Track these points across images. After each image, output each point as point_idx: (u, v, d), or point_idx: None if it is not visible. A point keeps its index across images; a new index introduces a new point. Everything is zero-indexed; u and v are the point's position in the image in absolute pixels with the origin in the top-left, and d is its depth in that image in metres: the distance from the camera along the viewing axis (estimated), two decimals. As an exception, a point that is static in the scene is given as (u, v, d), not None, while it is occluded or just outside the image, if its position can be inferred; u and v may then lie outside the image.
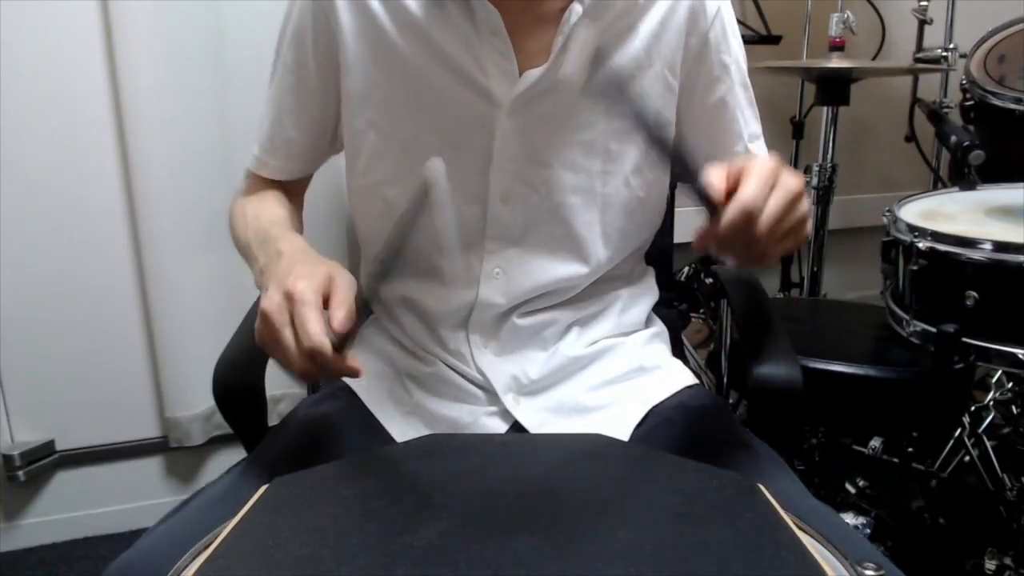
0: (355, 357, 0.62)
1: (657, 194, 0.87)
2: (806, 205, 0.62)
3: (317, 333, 0.59)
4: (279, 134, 0.85)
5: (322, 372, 0.61)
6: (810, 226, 0.63)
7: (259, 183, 0.89)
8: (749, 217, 0.57)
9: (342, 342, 0.60)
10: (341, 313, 0.61)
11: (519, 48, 0.75)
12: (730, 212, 0.57)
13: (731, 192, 0.58)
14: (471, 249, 0.81)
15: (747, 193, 0.57)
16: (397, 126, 0.78)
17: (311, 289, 0.61)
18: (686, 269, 1.81)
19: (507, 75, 0.76)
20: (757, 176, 0.58)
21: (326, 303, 0.62)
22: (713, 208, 0.58)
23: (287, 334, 0.60)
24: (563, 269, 0.82)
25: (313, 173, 0.93)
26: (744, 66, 0.85)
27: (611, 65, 0.76)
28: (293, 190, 0.91)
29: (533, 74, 0.75)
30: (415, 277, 0.84)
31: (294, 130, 0.85)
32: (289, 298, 0.61)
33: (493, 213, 0.79)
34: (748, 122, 0.86)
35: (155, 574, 0.57)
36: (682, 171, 0.60)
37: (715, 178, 0.59)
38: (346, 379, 0.87)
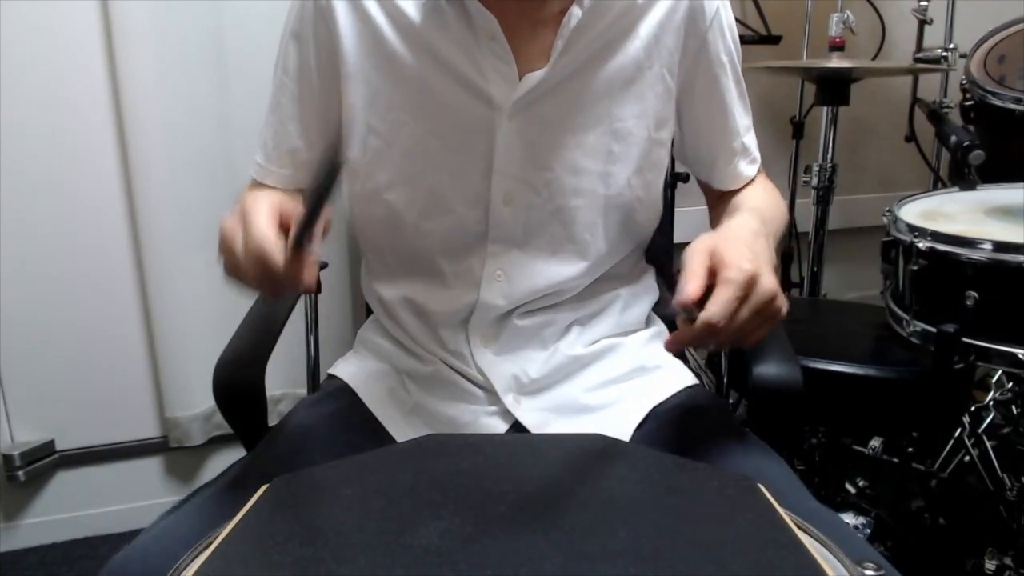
0: (311, 265, 0.63)
1: (657, 193, 0.87)
2: (780, 303, 0.63)
3: (262, 229, 0.60)
4: (284, 142, 0.85)
5: (275, 280, 0.61)
6: (784, 311, 0.64)
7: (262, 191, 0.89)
8: (714, 331, 0.59)
9: (295, 248, 0.60)
10: (297, 226, 0.61)
11: (518, 51, 0.75)
12: (696, 327, 0.59)
13: (709, 289, 0.60)
14: (473, 252, 0.81)
15: (714, 312, 0.59)
16: (398, 132, 0.78)
17: (261, 203, 0.63)
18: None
19: (507, 79, 0.76)
20: (728, 288, 0.59)
21: (286, 227, 0.63)
22: (683, 302, 0.60)
23: (238, 241, 0.62)
24: (565, 271, 0.82)
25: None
26: (739, 63, 0.86)
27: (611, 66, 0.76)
28: (297, 200, 0.91)
29: (533, 77, 0.75)
30: (416, 278, 0.84)
31: (299, 138, 0.85)
32: (242, 213, 0.63)
33: (495, 216, 0.79)
34: (742, 117, 0.88)
35: (153, 571, 0.57)
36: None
37: (695, 261, 0.61)
38: (346, 379, 0.88)
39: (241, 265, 0.62)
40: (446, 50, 0.75)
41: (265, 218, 0.61)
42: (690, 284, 0.60)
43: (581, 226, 0.81)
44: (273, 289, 0.63)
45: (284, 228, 0.63)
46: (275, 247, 0.60)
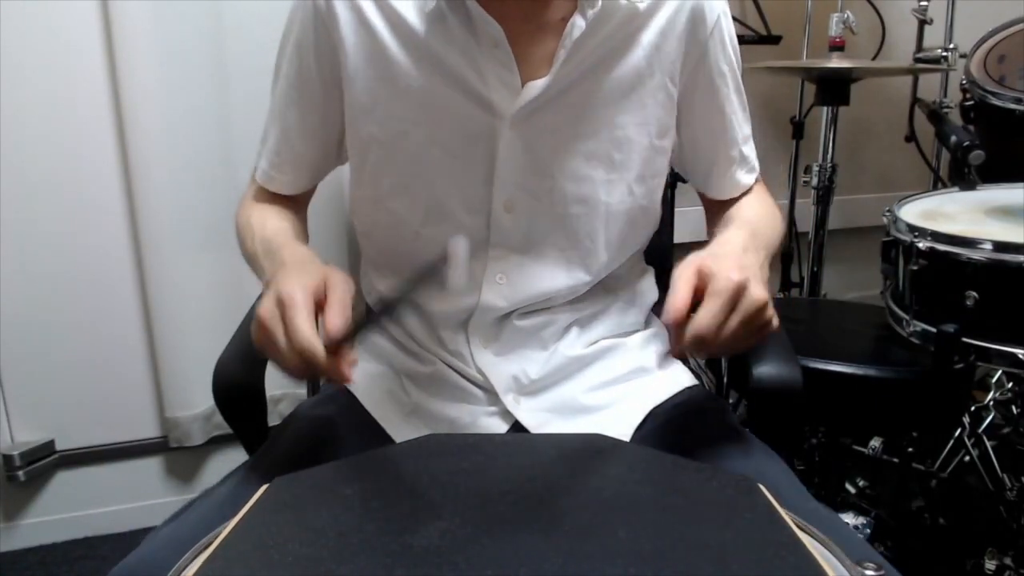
0: (350, 361, 0.62)
1: (657, 199, 0.87)
2: (770, 313, 0.64)
3: (305, 332, 0.60)
4: (287, 149, 0.85)
5: (315, 373, 0.62)
6: (776, 323, 0.65)
7: (264, 194, 0.90)
8: (702, 342, 0.60)
9: (336, 344, 0.60)
10: (333, 315, 0.62)
11: (521, 59, 0.75)
12: (686, 339, 0.60)
13: (698, 301, 0.61)
14: (474, 256, 0.81)
15: (700, 324, 0.60)
16: (400, 139, 0.78)
17: (302, 292, 0.62)
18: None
19: (509, 87, 0.75)
20: (717, 299, 0.60)
21: (322, 307, 0.63)
22: (673, 315, 0.61)
23: (280, 337, 0.61)
24: (566, 276, 0.82)
25: (318, 184, 0.93)
26: (739, 71, 0.86)
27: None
28: (299, 200, 0.92)
29: (536, 85, 0.75)
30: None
31: (302, 144, 0.85)
32: (281, 302, 0.62)
33: (497, 222, 0.79)
34: (741, 126, 0.88)
35: None
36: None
37: (683, 280, 0.61)
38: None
39: (281, 356, 0.62)
40: (449, 57, 0.75)
41: (305, 316, 0.61)
42: (676, 300, 0.60)
43: (582, 233, 0.81)
44: (311, 378, 0.64)
45: (319, 306, 0.63)
46: (318, 348, 0.59)
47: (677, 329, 0.60)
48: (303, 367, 0.61)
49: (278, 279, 0.66)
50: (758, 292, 0.62)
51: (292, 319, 0.60)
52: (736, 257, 0.65)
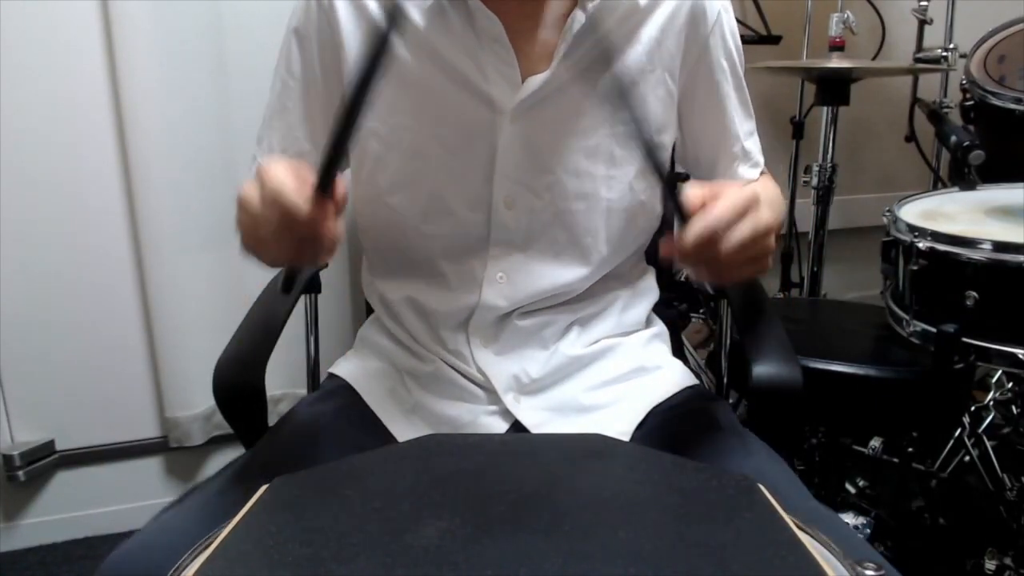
0: (334, 219, 0.58)
1: (658, 197, 0.87)
2: (771, 242, 0.64)
3: (281, 178, 0.56)
4: (292, 145, 0.84)
5: (297, 229, 0.57)
6: (771, 262, 0.65)
7: None
8: (714, 236, 0.58)
9: (320, 185, 0.56)
10: (316, 179, 0.57)
11: (521, 54, 0.75)
12: (696, 227, 0.58)
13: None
14: (474, 254, 0.81)
15: (715, 214, 0.58)
16: (400, 135, 0.78)
17: (280, 162, 0.59)
18: (686, 269, 1.80)
19: (509, 81, 0.75)
20: (731, 201, 0.59)
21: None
22: (684, 219, 0.59)
23: (255, 201, 0.58)
24: (566, 274, 0.82)
25: None
26: (741, 68, 0.86)
27: (616, 70, 0.76)
28: None
29: (535, 80, 0.75)
30: (418, 279, 0.84)
31: (307, 140, 0.84)
32: (259, 175, 0.59)
33: (497, 219, 0.79)
34: (743, 122, 0.88)
35: (152, 568, 0.57)
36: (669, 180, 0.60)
37: (693, 192, 0.60)
38: (347, 378, 0.88)
39: (260, 221, 0.58)
40: (448, 52, 0.75)
41: (283, 168, 0.57)
42: (693, 188, 0.59)
43: (583, 229, 0.81)
44: (295, 245, 0.59)
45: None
46: (294, 190, 0.55)
47: (691, 217, 0.58)
48: (281, 221, 0.56)
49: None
50: (767, 214, 0.62)
51: (268, 174, 0.57)
52: (741, 187, 0.64)
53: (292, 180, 0.56)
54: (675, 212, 0.59)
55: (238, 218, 0.62)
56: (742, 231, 0.59)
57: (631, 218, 0.84)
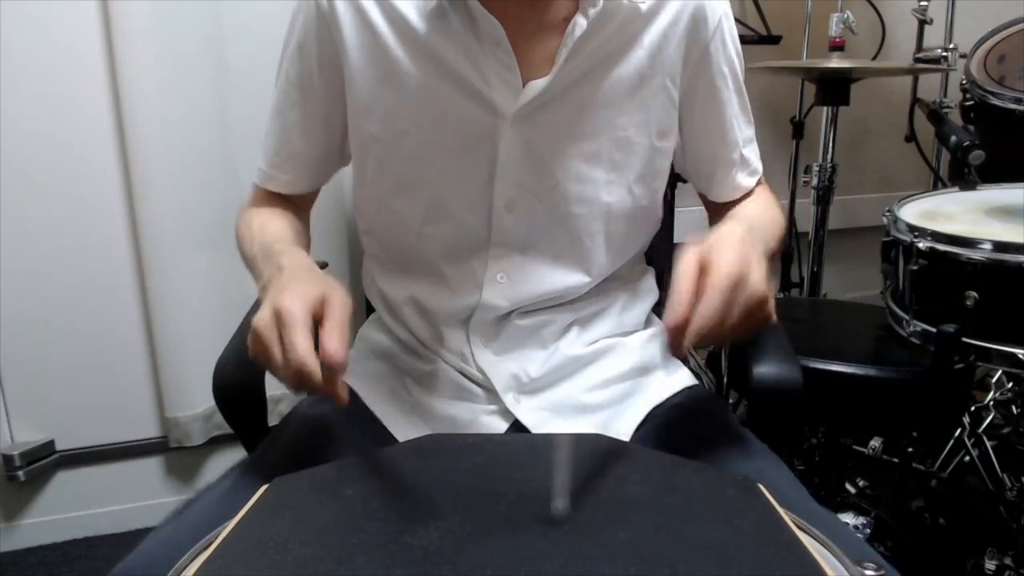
0: (342, 383, 0.61)
1: (658, 200, 0.87)
2: (770, 308, 0.63)
3: (302, 352, 0.58)
4: (286, 148, 0.85)
5: (310, 390, 0.60)
6: (774, 316, 0.65)
7: (266, 197, 0.89)
8: (706, 338, 0.59)
9: (331, 365, 0.59)
10: (331, 339, 0.59)
11: (522, 58, 0.75)
12: (687, 337, 0.59)
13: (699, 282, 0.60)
14: (475, 255, 0.81)
15: (701, 319, 0.59)
16: (401, 139, 0.78)
17: (300, 307, 0.60)
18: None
19: (510, 86, 0.75)
20: (717, 294, 0.59)
21: (320, 321, 0.62)
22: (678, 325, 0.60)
23: (275, 352, 0.60)
24: (566, 277, 0.82)
25: (321, 187, 0.93)
26: (741, 73, 0.86)
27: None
28: (300, 204, 0.92)
29: (537, 85, 0.75)
30: (419, 279, 0.84)
31: (302, 143, 0.85)
32: (278, 316, 0.60)
33: (498, 222, 0.79)
34: (743, 128, 0.88)
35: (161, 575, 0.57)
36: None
37: (684, 266, 0.60)
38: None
39: (276, 367, 0.61)
40: (450, 57, 0.75)
41: (302, 332, 0.59)
42: (677, 302, 0.59)
43: (583, 233, 0.81)
44: (305, 392, 0.63)
45: (316, 318, 0.61)
46: (314, 364, 0.58)
47: (677, 331, 0.60)
48: (298, 383, 0.60)
49: (275, 288, 0.65)
50: (757, 283, 0.61)
51: (289, 336, 0.59)
52: (735, 247, 0.64)
53: (310, 352, 0.59)
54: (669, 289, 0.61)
55: (250, 340, 0.63)
56: (733, 318, 0.60)
57: (631, 222, 0.84)
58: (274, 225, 0.85)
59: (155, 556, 0.62)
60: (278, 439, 0.80)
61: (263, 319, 0.61)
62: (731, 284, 0.60)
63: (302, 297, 0.62)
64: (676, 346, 0.60)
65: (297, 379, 0.59)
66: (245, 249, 0.83)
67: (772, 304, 0.64)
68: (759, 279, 0.62)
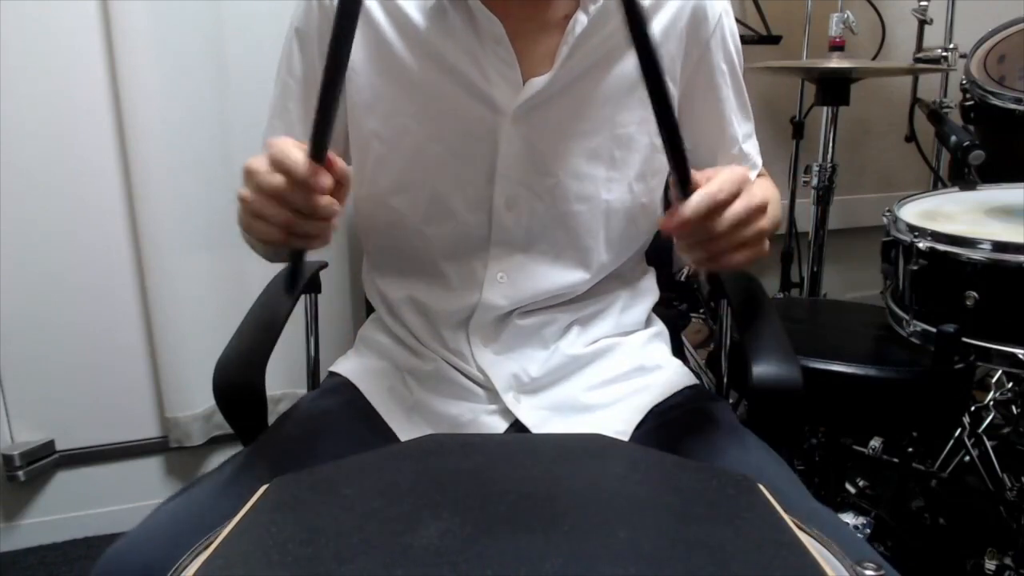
0: (332, 185, 0.59)
1: (658, 198, 0.87)
2: (767, 222, 0.64)
3: (282, 143, 0.57)
4: None
5: (299, 196, 0.58)
6: (767, 245, 0.65)
7: None
8: (713, 208, 0.58)
9: (315, 152, 0.58)
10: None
11: (523, 55, 0.75)
12: (696, 198, 0.58)
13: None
14: (475, 255, 0.81)
15: (714, 186, 0.59)
16: (401, 136, 0.78)
17: (288, 142, 0.59)
18: (686, 269, 1.81)
19: (511, 83, 0.76)
20: (726, 179, 0.60)
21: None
22: (686, 189, 0.59)
23: (263, 171, 0.58)
24: (566, 275, 0.82)
25: None
26: (740, 70, 0.86)
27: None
28: None
29: (537, 82, 0.75)
30: (419, 278, 0.84)
31: (303, 138, 0.84)
32: (268, 146, 0.59)
33: (498, 220, 0.79)
34: (742, 124, 0.88)
35: (153, 560, 0.57)
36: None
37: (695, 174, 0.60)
38: (348, 376, 0.88)
39: (263, 185, 0.58)
40: (450, 54, 0.75)
41: (290, 140, 0.59)
42: (694, 173, 0.59)
43: (583, 231, 0.81)
44: (292, 216, 0.59)
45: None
46: (297, 151, 0.57)
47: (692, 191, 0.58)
48: (283, 185, 0.57)
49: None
50: (760, 195, 0.62)
51: (276, 148, 0.58)
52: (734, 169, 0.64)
53: (297, 147, 0.58)
54: (678, 183, 0.59)
55: (240, 194, 0.61)
56: (736, 209, 0.60)
57: (631, 220, 0.84)
58: None
59: (153, 536, 0.63)
60: (279, 432, 0.80)
61: (254, 158, 0.60)
62: (740, 177, 0.60)
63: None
64: (678, 214, 0.58)
65: (281, 169, 0.57)
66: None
67: (766, 223, 0.64)
68: (758, 191, 0.62)
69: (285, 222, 0.59)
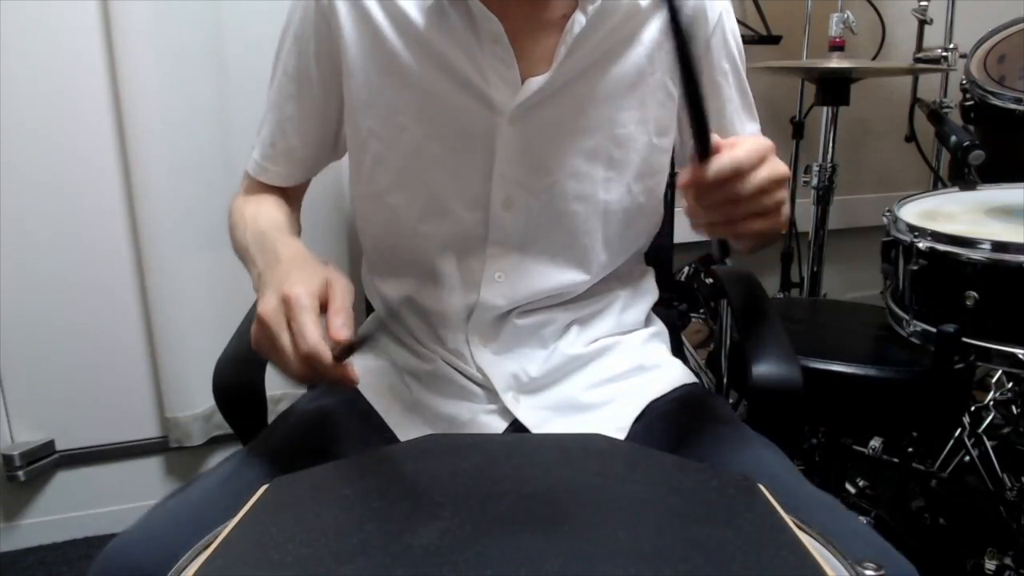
0: (353, 365, 0.61)
1: (657, 199, 0.87)
2: (786, 193, 0.64)
3: (314, 337, 0.59)
4: (281, 141, 0.85)
5: (320, 377, 0.61)
6: (786, 215, 0.65)
7: (258, 187, 0.90)
8: (737, 172, 0.58)
9: (341, 349, 0.60)
10: (339, 320, 0.61)
11: (521, 55, 0.75)
12: (721, 160, 0.58)
13: None
14: (472, 254, 0.81)
15: (739, 151, 0.59)
16: (400, 134, 0.78)
17: (308, 294, 0.61)
18: (686, 269, 1.81)
19: (509, 83, 0.75)
20: (751, 145, 0.60)
21: (324, 308, 0.62)
22: (705, 153, 0.59)
23: (284, 339, 0.60)
24: (564, 275, 0.82)
25: (312, 178, 0.93)
26: (743, 70, 0.86)
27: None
28: (292, 194, 0.92)
29: (535, 82, 0.75)
30: (417, 278, 0.84)
31: (296, 137, 0.85)
32: (286, 303, 0.60)
33: (495, 219, 0.79)
34: (745, 124, 0.88)
35: (153, 556, 0.57)
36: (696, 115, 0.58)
37: (717, 138, 0.60)
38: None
39: (285, 361, 0.60)
40: (448, 53, 0.75)
41: (312, 320, 0.60)
42: (715, 138, 0.59)
43: (581, 231, 0.81)
44: (313, 382, 0.63)
45: (321, 305, 0.62)
46: (325, 352, 0.59)
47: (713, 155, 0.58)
48: (307, 372, 0.60)
49: (277, 277, 0.65)
50: (783, 166, 0.62)
51: (299, 322, 0.59)
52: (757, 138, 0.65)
53: (320, 340, 0.59)
54: (698, 145, 0.59)
55: (257, 334, 0.63)
56: (761, 174, 0.60)
57: (629, 220, 0.84)
58: (267, 214, 0.84)
59: (153, 533, 0.62)
60: (279, 430, 0.80)
61: (270, 306, 0.61)
62: (766, 146, 0.60)
63: (307, 283, 0.62)
64: (700, 174, 0.58)
65: (308, 365, 0.59)
66: (237, 238, 0.83)
67: (787, 194, 0.64)
68: (783, 164, 0.62)
69: (298, 380, 0.62)
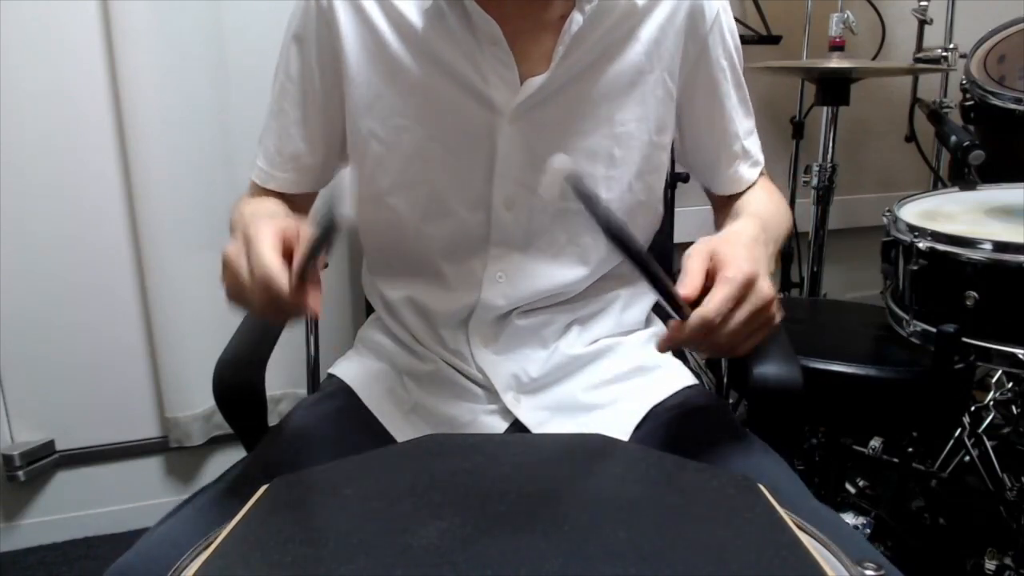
0: (316, 295, 0.61)
1: (657, 196, 0.87)
2: (776, 311, 0.63)
3: (268, 261, 0.59)
4: (287, 146, 0.85)
5: (280, 308, 0.60)
6: (779, 319, 0.64)
7: (264, 195, 0.89)
8: (710, 329, 0.58)
9: (300, 276, 0.59)
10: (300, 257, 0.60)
11: (520, 55, 0.75)
12: (691, 323, 0.58)
13: (704, 291, 0.59)
14: (474, 254, 0.81)
15: (710, 308, 0.58)
16: (400, 136, 0.78)
17: (268, 229, 0.61)
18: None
19: (508, 83, 0.76)
20: (727, 287, 0.59)
21: (290, 254, 0.61)
22: (680, 311, 0.59)
23: (244, 272, 0.61)
24: (565, 274, 0.82)
25: (319, 190, 0.92)
26: (740, 67, 0.86)
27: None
28: (299, 204, 0.89)
29: (534, 82, 0.75)
30: (418, 279, 0.84)
31: (302, 141, 0.85)
32: (246, 241, 0.61)
33: (497, 220, 0.79)
34: (742, 120, 0.88)
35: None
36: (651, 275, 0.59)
37: (694, 264, 0.61)
38: (346, 379, 0.88)
39: (246, 292, 0.61)
40: (448, 54, 0.75)
41: (269, 245, 0.60)
42: (687, 282, 0.60)
43: (582, 230, 0.81)
44: (278, 315, 0.62)
45: (288, 252, 0.61)
46: (281, 275, 0.58)
47: (683, 312, 0.58)
48: (266, 300, 0.59)
49: (244, 225, 0.65)
50: (767, 287, 0.61)
51: (255, 248, 0.59)
52: (748, 247, 0.64)
53: (277, 258, 0.59)
54: (669, 306, 0.59)
55: (223, 274, 0.64)
56: (739, 316, 0.59)
57: (630, 218, 0.84)
58: (264, 206, 0.84)
59: (153, 554, 0.62)
60: (277, 439, 0.80)
61: (232, 247, 0.63)
62: (744, 280, 0.59)
63: (270, 223, 0.62)
64: (674, 336, 0.59)
65: (264, 292, 0.58)
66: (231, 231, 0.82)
67: (777, 308, 0.63)
68: (768, 285, 0.61)
69: (270, 317, 0.63)
